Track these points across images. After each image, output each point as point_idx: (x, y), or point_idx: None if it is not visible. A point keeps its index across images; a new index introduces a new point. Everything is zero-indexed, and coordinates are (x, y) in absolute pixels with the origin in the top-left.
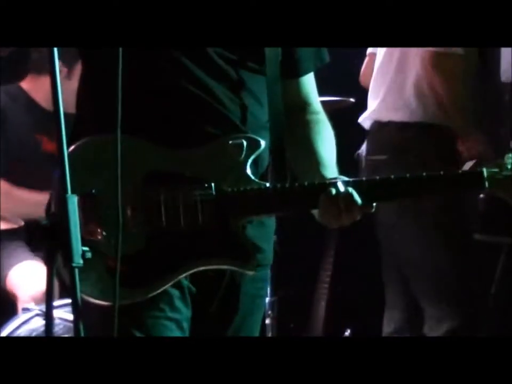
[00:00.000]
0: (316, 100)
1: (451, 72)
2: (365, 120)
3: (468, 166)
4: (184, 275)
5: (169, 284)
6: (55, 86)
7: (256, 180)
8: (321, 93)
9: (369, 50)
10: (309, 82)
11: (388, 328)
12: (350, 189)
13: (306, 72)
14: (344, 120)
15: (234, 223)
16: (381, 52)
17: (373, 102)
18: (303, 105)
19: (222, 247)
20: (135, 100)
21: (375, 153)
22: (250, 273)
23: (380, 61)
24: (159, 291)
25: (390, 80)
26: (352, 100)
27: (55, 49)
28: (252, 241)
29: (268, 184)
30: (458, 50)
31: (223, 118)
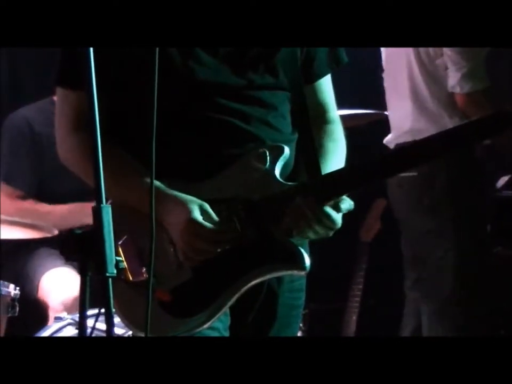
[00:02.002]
0: (330, 108)
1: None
2: (390, 143)
3: (503, 180)
4: (239, 292)
5: (228, 305)
6: (91, 94)
7: (289, 183)
8: (354, 106)
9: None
10: (323, 89)
11: (404, 333)
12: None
13: (320, 76)
14: (378, 133)
15: (272, 228)
16: (386, 75)
17: (394, 127)
18: (316, 113)
19: (267, 255)
20: (160, 139)
21: None
22: (302, 273)
23: (388, 85)
24: (220, 314)
25: (406, 106)
26: (386, 113)
27: (91, 54)
28: (294, 243)
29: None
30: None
31: (249, 140)
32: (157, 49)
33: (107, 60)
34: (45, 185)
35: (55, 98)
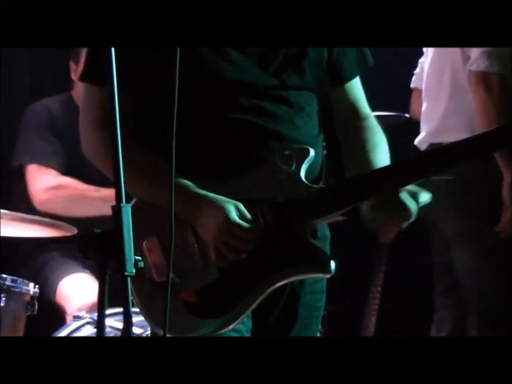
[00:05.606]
0: (364, 105)
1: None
2: (421, 143)
3: None
4: (264, 294)
5: (253, 306)
6: (112, 90)
7: (314, 186)
8: (376, 107)
9: (413, 85)
10: (354, 88)
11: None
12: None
13: (351, 78)
14: (399, 136)
15: (298, 230)
16: (428, 76)
17: (428, 126)
18: (351, 112)
19: (293, 257)
20: (187, 139)
21: None
22: (327, 276)
23: (429, 86)
24: (244, 315)
25: (446, 105)
26: (407, 115)
27: (113, 53)
28: (319, 246)
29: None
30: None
31: (275, 140)
32: (178, 49)
33: (133, 59)
34: (72, 170)
35: (73, 93)
